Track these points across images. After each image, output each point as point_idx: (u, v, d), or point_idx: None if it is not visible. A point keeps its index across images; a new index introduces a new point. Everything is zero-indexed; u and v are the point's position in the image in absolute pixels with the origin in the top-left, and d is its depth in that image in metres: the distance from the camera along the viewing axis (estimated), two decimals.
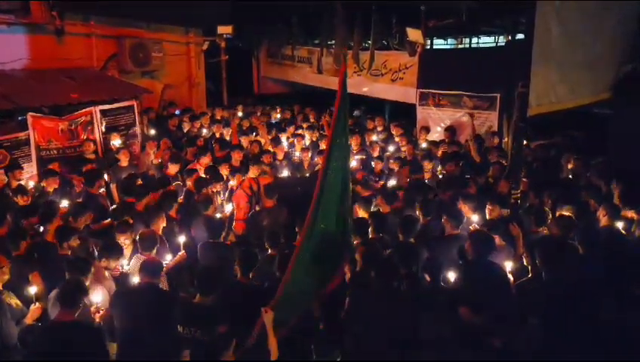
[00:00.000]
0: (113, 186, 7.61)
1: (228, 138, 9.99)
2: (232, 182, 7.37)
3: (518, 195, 5.91)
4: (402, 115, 11.65)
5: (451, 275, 4.65)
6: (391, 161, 8.48)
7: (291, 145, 9.71)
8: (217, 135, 10.15)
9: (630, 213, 5.63)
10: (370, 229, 5.42)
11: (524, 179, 6.50)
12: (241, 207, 6.80)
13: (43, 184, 7.26)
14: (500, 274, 4.62)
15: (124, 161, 8.08)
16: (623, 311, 4.03)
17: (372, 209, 6.13)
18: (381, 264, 4.49)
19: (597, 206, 5.81)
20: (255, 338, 3.95)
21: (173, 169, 7.78)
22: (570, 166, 7.52)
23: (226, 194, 7.30)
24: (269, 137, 10.03)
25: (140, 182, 7.09)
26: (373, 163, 8.57)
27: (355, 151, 8.85)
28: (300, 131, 10.37)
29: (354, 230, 5.05)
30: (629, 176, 6.41)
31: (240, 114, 12.45)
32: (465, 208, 5.76)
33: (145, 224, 5.73)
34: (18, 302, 4.54)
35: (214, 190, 7.03)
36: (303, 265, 4.24)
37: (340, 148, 4.44)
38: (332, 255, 4.56)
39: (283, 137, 9.93)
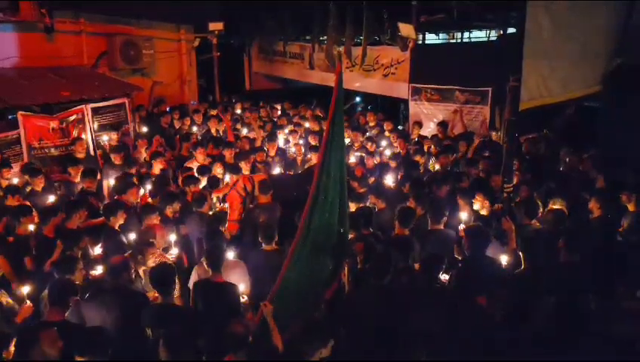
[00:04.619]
0: (105, 184, 7.57)
1: (222, 134, 10.00)
2: (227, 179, 7.35)
3: (511, 189, 5.94)
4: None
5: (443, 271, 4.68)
6: (385, 156, 8.52)
7: (286, 141, 9.72)
8: (213, 131, 10.13)
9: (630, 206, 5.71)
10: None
11: (516, 173, 6.54)
12: (234, 207, 6.75)
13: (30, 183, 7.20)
14: (496, 268, 4.66)
15: (117, 159, 8.03)
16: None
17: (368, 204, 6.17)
18: (378, 259, 4.52)
19: (588, 197, 5.87)
20: (256, 331, 3.98)
21: (157, 167, 7.74)
22: (566, 159, 7.60)
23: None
24: (263, 134, 10.04)
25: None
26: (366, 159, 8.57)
27: (355, 148, 8.87)
28: (291, 127, 10.38)
29: (351, 223, 5.08)
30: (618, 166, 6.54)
31: (239, 111, 12.43)
32: (461, 203, 5.80)
33: (138, 222, 5.73)
34: (9, 299, 4.53)
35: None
36: (300, 261, 4.27)
37: (336, 147, 4.48)
38: (332, 255, 4.59)
39: (280, 134, 9.93)
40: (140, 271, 4.85)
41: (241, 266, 5.10)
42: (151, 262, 4.82)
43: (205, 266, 4.68)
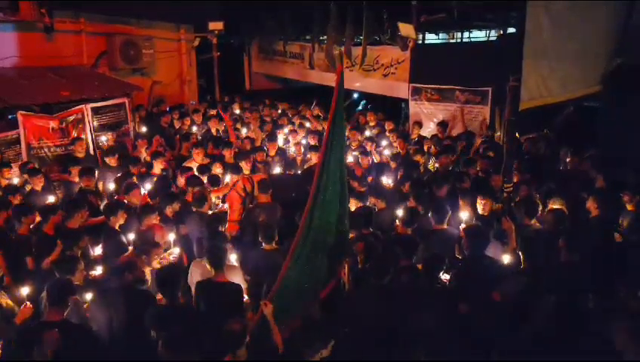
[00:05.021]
0: (100, 185, 7.55)
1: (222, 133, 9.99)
2: (227, 179, 7.34)
3: (511, 189, 5.94)
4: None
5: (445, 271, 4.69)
6: (384, 156, 8.51)
7: (286, 141, 9.72)
8: (213, 131, 10.12)
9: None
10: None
11: (516, 172, 6.54)
12: (234, 208, 6.77)
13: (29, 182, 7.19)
14: (496, 268, 4.67)
15: (112, 161, 7.95)
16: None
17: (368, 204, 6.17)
18: (379, 259, 4.52)
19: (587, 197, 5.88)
20: (254, 330, 3.98)
21: (158, 167, 7.73)
22: (567, 159, 7.61)
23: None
24: (263, 134, 10.04)
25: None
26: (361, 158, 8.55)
27: (353, 148, 8.86)
28: (291, 127, 10.38)
29: (352, 223, 5.08)
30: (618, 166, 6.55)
31: (238, 111, 12.43)
32: (462, 203, 5.81)
33: (138, 221, 5.73)
34: (9, 301, 4.52)
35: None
36: (300, 260, 4.28)
37: (336, 147, 4.49)
38: (331, 254, 4.60)
39: (280, 134, 9.94)
40: (146, 272, 4.85)
41: (237, 271, 5.09)
42: (156, 263, 4.82)
43: (208, 266, 4.69)
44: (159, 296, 4.47)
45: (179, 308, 4.32)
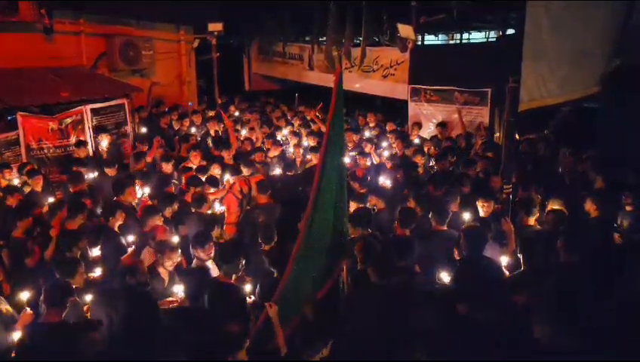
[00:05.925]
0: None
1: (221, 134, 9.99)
2: (226, 179, 7.33)
3: (510, 190, 5.94)
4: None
5: (444, 272, 4.69)
6: (382, 157, 8.51)
7: (285, 142, 9.71)
8: (212, 132, 10.13)
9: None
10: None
11: (514, 173, 6.53)
12: (232, 211, 6.77)
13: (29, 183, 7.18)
14: (494, 269, 4.66)
15: (111, 172, 7.74)
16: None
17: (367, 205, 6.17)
18: (378, 259, 4.52)
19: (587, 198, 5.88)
20: (258, 332, 3.97)
21: (167, 168, 7.73)
22: (564, 160, 7.61)
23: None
24: (263, 134, 10.04)
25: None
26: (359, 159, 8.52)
27: (349, 149, 8.85)
28: (291, 128, 10.38)
29: (351, 223, 5.08)
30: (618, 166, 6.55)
31: (237, 113, 12.42)
32: (461, 204, 5.82)
33: (139, 223, 5.72)
34: (8, 307, 4.49)
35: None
36: (302, 261, 4.28)
37: (335, 148, 4.49)
38: (328, 255, 4.59)
39: (279, 135, 9.93)
40: (161, 272, 4.85)
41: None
42: (169, 265, 4.82)
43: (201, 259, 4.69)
44: (174, 297, 4.48)
45: (192, 309, 4.29)
